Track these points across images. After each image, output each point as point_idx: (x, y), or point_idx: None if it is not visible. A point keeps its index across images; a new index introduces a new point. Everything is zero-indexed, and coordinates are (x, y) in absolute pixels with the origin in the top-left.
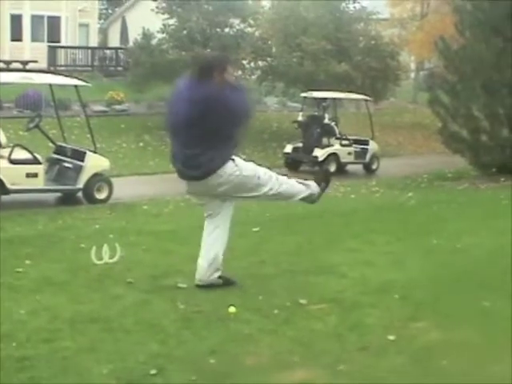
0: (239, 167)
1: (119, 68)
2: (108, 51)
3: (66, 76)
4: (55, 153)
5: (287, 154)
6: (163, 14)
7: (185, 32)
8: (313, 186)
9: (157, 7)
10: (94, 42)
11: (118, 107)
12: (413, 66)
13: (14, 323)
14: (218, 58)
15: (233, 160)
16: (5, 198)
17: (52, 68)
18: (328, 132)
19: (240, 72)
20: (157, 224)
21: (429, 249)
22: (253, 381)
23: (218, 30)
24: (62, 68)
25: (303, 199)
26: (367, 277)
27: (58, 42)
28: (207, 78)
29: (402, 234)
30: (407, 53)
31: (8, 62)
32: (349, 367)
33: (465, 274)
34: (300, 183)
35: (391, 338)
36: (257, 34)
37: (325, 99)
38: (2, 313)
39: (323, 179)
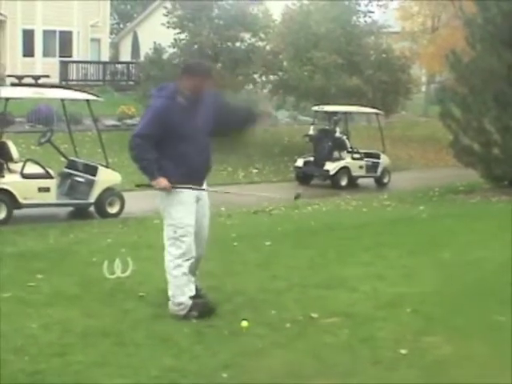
0: (174, 203)
1: (130, 82)
2: (119, 66)
3: (78, 91)
4: (67, 167)
5: (298, 167)
6: (174, 28)
7: (196, 46)
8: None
9: (168, 22)
10: (105, 56)
11: (129, 121)
12: (424, 79)
13: (27, 337)
14: (189, 65)
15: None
16: (17, 212)
17: (64, 83)
18: (339, 146)
19: (251, 86)
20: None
21: (440, 262)
22: None
23: (229, 44)
24: (74, 82)
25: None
26: (379, 290)
27: (70, 56)
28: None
29: (413, 247)
30: (418, 66)
31: (20, 77)
32: (361, 381)
33: (476, 288)
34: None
35: (403, 351)
36: (268, 47)
37: (336, 113)
38: (15, 327)
39: None
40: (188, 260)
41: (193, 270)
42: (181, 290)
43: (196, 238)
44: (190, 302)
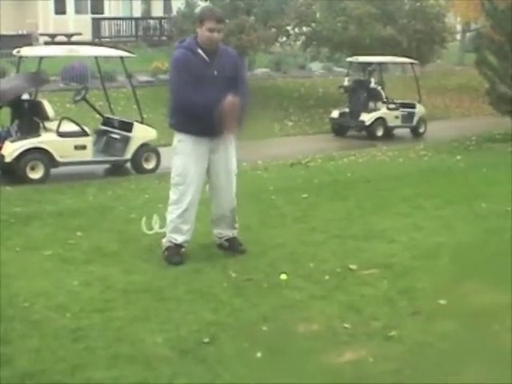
0: (180, 145)
1: (163, 38)
2: (152, 21)
3: (112, 47)
4: (103, 124)
5: (334, 119)
6: None
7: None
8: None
9: None
10: (137, 12)
11: (163, 77)
12: (459, 27)
13: (68, 294)
14: (201, 13)
15: (180, 137)
16: (54, 170)
17: (96, 40)
18: (374, 96)
19: (284, 38)
20: (205, 193)
21: (478, 212)
22: (305, 347)
23: None
24: (107, 39)
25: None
26: (417, 241)
27: (102, 13)
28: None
29: (451, 197)
30: (453, 14)
31: (53, 36)
32: (400, 332)
33: None
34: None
35: (442, 302)
36: None
37: (370, 63)
38: (56, 284)
39: None
40: (179, 208)
41: (188, 220)
42: (167, 232)
43: (218, 191)
44: (167, 244)
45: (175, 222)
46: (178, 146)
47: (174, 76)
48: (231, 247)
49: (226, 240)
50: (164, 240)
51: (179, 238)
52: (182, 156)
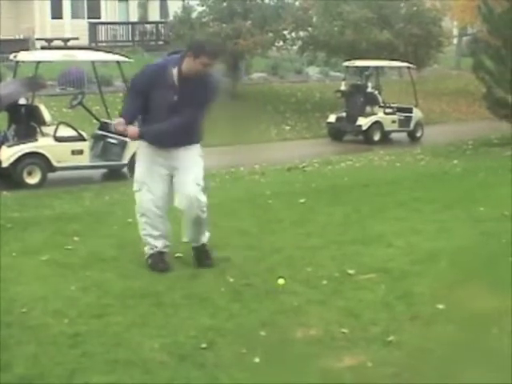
0: (140, 152)
1: (160, 42)
2: (148, 26)
3: (108, 52)
4: (99, 129)
5: (331, 123)
6: None
7: (225, 4)
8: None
9: None
10: (133, 17)
11: None
12: (455, 31)
13: (65, 300)
14: (198, 45)
15: (140, 143)
16: (51, 175)
17: (93, 44)
18: (371, 100)
19: (281, 42)
20: None
21: (476, 216)
22: (303, 352)
23: (259, 1)
24: (103, 44)
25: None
26: (415, 245)
27: (98, 18)
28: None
29: (448, 201)
30: (449, 18)
31: (50, 40)
32: (399, 337)
33: None
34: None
35: (440, 306)
36: (297, 3)
37: (367, 68)
38: (53, 290)
39: None
40: (141, 215)
41: (155, 226)
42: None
43: (176, 185)
44: (150, 251)
45: (143, 232)
46: (138, 153)
47: (132, 85)
48: (197, 257)
49: (193, 248)
50: (146, 248)
51: (157, 243)
52: (139, 163)
